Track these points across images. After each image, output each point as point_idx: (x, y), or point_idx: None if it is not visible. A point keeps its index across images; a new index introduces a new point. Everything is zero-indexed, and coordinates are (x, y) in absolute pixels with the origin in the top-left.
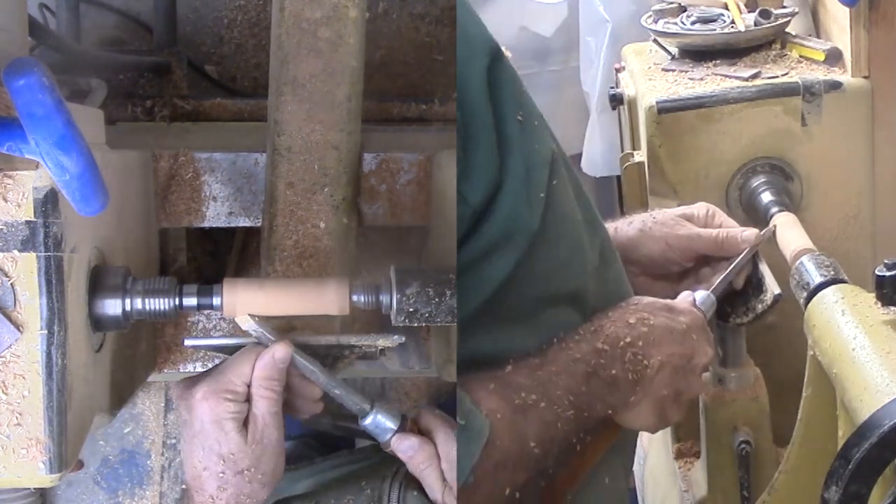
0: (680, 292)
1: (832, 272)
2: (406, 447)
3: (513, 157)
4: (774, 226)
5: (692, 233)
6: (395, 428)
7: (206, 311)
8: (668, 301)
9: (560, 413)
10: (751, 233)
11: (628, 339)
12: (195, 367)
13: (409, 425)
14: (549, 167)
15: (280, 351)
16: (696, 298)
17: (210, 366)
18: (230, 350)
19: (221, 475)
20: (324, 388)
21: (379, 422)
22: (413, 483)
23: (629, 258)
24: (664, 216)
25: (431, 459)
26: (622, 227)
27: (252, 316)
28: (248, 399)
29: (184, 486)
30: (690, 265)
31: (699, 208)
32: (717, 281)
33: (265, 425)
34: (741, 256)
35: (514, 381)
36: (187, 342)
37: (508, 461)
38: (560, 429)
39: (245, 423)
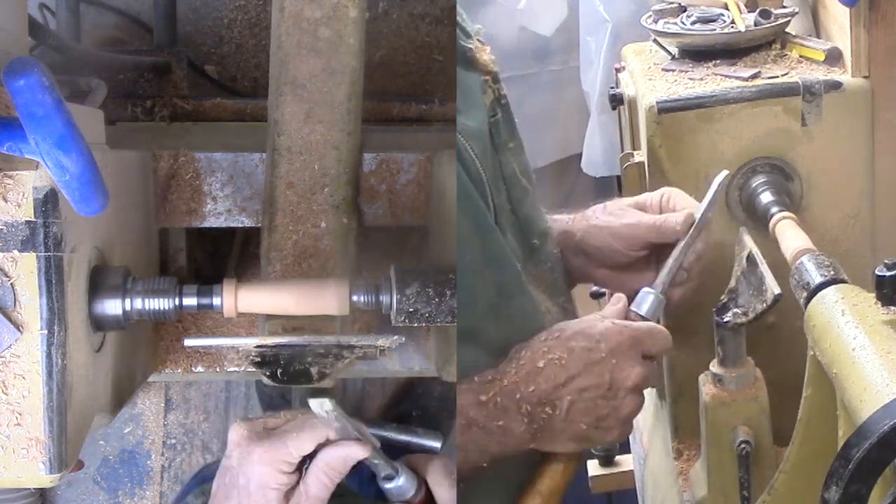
0: (644, 282)
1: (832, 272)
2: None
3: None
4: (717, 185)
5: (633, 221)
6: (414, 491)
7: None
8: (593, 325)
9: None
10: (682, 215)
11: (531, 389)
12: (195, 368)
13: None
14: None
15: (359, 453)
16: (631, 306)
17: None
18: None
19: None
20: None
21: (402, 486)
22: None
23: (583, 251)
24: (616, 205)
25: None
26: (577, 220)
27: (330, 399)
28: (298, 469)
29: None
30: (643, 254)
31: (656, 194)
32: (662, 274)
33: None
34: (682, 242)
35: None
36: (187, 342)
37: None
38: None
39: (287, 494)
